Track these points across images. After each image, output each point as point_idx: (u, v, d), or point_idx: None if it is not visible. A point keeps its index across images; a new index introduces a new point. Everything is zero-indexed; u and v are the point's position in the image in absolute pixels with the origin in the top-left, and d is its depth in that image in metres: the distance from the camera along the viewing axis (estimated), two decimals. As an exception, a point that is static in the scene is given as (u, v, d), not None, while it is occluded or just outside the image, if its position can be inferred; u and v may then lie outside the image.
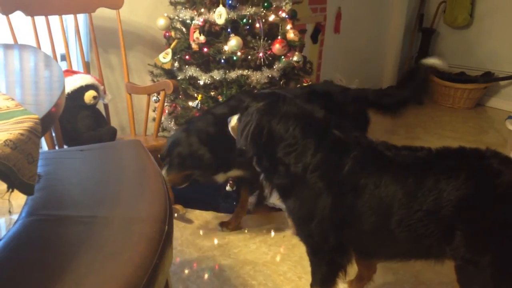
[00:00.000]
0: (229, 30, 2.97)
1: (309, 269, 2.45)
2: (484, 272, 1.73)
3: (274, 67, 3.05)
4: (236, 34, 2.94)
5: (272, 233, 2.83)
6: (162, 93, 2.81)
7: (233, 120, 2.09)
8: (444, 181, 1.73)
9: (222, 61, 2.98)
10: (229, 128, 2.12)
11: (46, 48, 2.78)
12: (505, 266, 1.73)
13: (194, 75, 3.04)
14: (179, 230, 2.79)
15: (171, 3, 3.24)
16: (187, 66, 3.09)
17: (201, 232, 2.81)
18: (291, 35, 3.11)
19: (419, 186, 1.76)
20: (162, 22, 3.19)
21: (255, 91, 2.89)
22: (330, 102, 2.52)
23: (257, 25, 3.02)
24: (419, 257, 1.94)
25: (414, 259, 1.97)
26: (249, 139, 1.91)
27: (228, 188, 3.18)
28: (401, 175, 1.79)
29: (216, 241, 2.73)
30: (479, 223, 1.73)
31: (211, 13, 2.97)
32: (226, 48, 2.94)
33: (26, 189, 1.10)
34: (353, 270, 2.26)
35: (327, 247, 1.96)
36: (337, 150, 1.88)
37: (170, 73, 3.19)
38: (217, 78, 2.96)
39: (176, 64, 3.14)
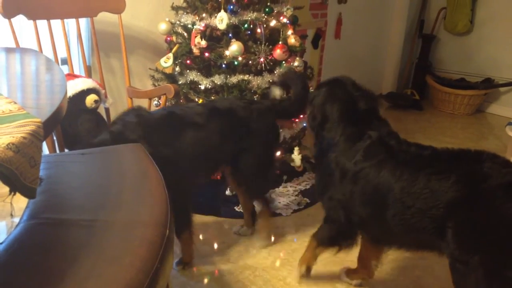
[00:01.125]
0: (230, 35, 2.98)
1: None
2: (475, 272, 1.79)
3: (275, 72, 3.06)
4: (237, 39, 2.95)
5: (272, 238, 2.83)
6: (163, 98, 2.81)
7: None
8: (435, 181, 1.84)
9: (223, 66, 2.99)
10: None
11: (47, 52, 2.78)
12: (495, 267, 1.78)
13: (195, 79, 3.05)
14: (179, 235, 2.79)
15: (173, 8, 3.25)
16: (188, 71, 3.09)
17: (200, 237, 2.81)
18: (292, 40, 3.12)
19: (412, 183, 1.88)
20: (163, 26, 3.20)
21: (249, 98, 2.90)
22: (234, 119, 2.47)
23: (258, 30, 3.04)
24: (418, 248, 2.06)
25: (414, 249, 2.11)
26: (310, 117, 2.28)
27: (228, 192, 3.18)
28: (398, 170, 1.92)
29: (215, 246, 2.73)
30: (466, 224, 1.82)
31: (212, 18, 2.99)
32: (227, 53, 2.95)
33: (28, 193, 1.10)
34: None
35: (337, 223, 2.17)
36: (356, 138, 2.08)
37: (171, 78, 3.19)
38: (218, 83, 2.97)
39: (177, 68, 3.15)
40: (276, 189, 3.35)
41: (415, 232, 1.92)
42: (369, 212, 2.05)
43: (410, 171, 1.90)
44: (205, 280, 2.44)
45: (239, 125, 2.48)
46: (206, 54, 3.02)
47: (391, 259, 2.56)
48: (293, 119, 3.14)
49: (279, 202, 3.20)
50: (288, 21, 3.16)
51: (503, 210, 1.76)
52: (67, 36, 2.90)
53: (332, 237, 2.24)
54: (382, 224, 2.00)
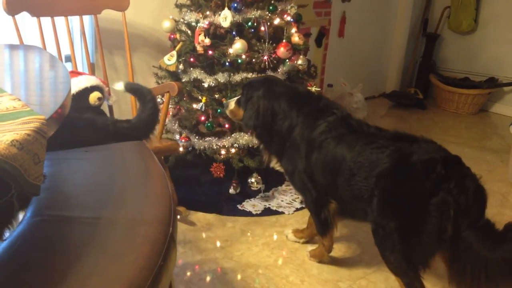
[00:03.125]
0: (234, 33, 2.98)
1: (311, 273, 2.48)
2: (391, 236, 2.05)
3: (279, 70, 3.06)
4: (241, 37, 2.95)
5: (275, 236, 2.83)
6: (166, 95, 2.81)
7: (231, 104, 2.58)
8: (375, 154, 2.11)
9: (227, 64, 2.98)
10: (228, 112, 2.62)
11: (51, 49, 2.78)
12: (407, 233, 2.03)
13: (199, 77, 3.04)
14: (182, 232, 2.79)
15: (177, 6, 3.25)
16: (191, 69, 3.09)
17: (203, 235, 2.81)
18: (295, 38, 3.12)
19: (359, 154, 2.15)
20: (167, 24, 3.20)
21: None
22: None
23: (262, 28, 3.03)
24: (362, 218, 2.27)
25: (359, 220, 2.37)
26: (258, 120, 2.41)
27: (231, 190, 3.18)
28: (353, 143, 2.19)
29: (218, 244, 2.73)
30: (387, 193, 2.07)
31: (216, 16, 2.98)
32: (231, 51, 2.95)
33: (32, 190, 1.10)
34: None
35: (311, 198, 2.40)
36: (315, 115, 2.33)
37: (174, 75, 3.19)
38: (222, 81, 2.97)
39: (181, 66, 3.15)
40: (279, 187, 3.35)
41: (356, 199, 2.17)
42: (328, 179, 2.28)
43: (361, 144, 2.17)
44: (208, 278, 2.44)
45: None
46: (210, 52, 3.02)
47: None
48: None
49: (282, 200, 3.20)
50: (292, 19, 3.15)
51: (416, 182, 2.01)
52: (70, 33, 2.90)
53: (322, 220, 2.42)
54: (336, 190, 2.25)
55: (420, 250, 2.03)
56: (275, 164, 2.57)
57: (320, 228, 2.46)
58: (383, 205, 2.08)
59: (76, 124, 2.04)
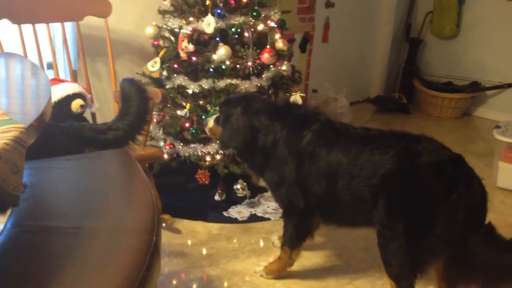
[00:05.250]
0: (217, 39, 2.97)
1: (298, 279, 2.47)
2: (398, 238, 2.02)
3: (263, 76, 3.05)
4: (225, 43, 2.94)
5: (261, 243, 2.81)
6: (150, 102, 2.78)
7: (210, 122, 2.53)
8: (377, 155, 2.07)
9: (211, 70, 2.97)
10: (207, 130, 2.58)
11: (32, 57, 2.75)
12: (415, 235, 2.01)
13: (183, 84, 3.03)
14: (167, 240, 2.76)
15: (160, 12, 3.23)
16: (175, 75, 3.07)
17: (189, 242, 2.79)
18: (279, 44, 3.11)
19: (358, 156, 2.11)
20: (150, 30, 3.17)
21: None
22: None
23: (246, 34, 3.03)
24: (361, 223, 2.29)
25: (358, 225, 2.38)
26: (239, 139, 2.35)
27: (216, 197, 3.16)
28: (347, 147, 2.16)
29: (204, 251, 2.70)
30: (395, 195, 2.05)
31: (199, 22, 2.97)
32: (214, 57, 2.93)
33: (11, 200, 1.08)
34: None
35: (297, 210, 2.35)
36: (299, 125, 2.30)
37: (158, 82, 3.17)
38: (206, 87, 2.96)
39: (164, 73, 3.13)
40: (265, 193, 3.34)
41: (358, 201, 2.13)
42: (323, 186, 2.23)
43: (357, 146, 2.14)
44: (194, 286, 2.42)
45: None
46: (194, 58, 3.01)
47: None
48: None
49: (268, 207, 3.19)
50: (275, 25, 3.15)
51: (428, 185, 2.00)
52: (52, 40, 2.87)
53: (299, 233, 2.39)
54: (333, 196, 2.20)
55: (426, 253, 2.02)
56: (263, 182, 2.52)
57: (295, 240, 2.39)
58: (391, 207, 2.05)
59: (50, 132, 1.88)
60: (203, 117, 2.93)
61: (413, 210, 2.02)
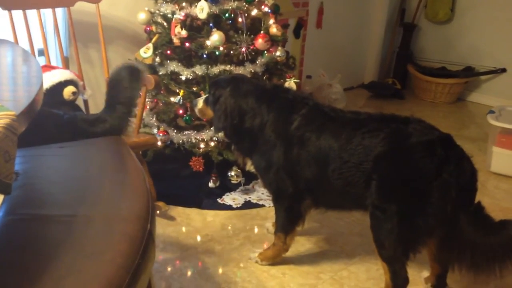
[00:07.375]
0: (211, 24, 2.94)
1: (293, 265, 2.47)
2: (391, 219, 2.04)
3: (257, 62, 3.03)
4: (218, 29, 2.91)
5: (256, 230, 2.81)
6: (143, 89, 2.76)
7: (200, 103, 2.53)
8: (368, 138, 2.09)
9: (204, 56, 2.95)
10: (196, 110, 2.57)
11: (24, 43, 2.72)
12: (408, 215, 2.03)
13: (176, 70, 3.00)
14: (162, 228, 2.76)
15: (152, -3, 3.19)
16: (168, 61, 3.05)
17: (184, 229, 2.78)
18: (273, 30, 3.09)
19: (349, 141, 2.12)
20: (142, 16, 3.14)
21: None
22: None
23: (240, 19, 3.00)
24: (351, 206, 2.31)
25: (348, 208, 2.38)
26: (227, 121, 2.34)
27: (211, 184, 3.15)
28: (337, 131, 2.16)
29: (199, 238, 2.70)
30: (387, 176, 2.08)
31: (192, 7, 2.94)
32: (208, 43, 2.91)
33: (3, 188, 1.07)
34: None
35: (286, 194, 2.34)
36: (287, 109, 2.30)
37: (151, 68, 3.14)
38: (199, 73, 2.93)
39: (157, 59, 3.10)
40: (259, 180, 3.33)
41: (350, 185, 2.14)
42: (313, 171, 2.23)
43: (347, 131, 2.15)
44: (189, 273, 2.42)
45: None
46: (187, 44, 2.98)
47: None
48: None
49: (262, 193, 3.19)
50: (269, 10, 3.12)
51: (419, 164, 2.02)
52: (43, 26, 2.84)
53: (291, 218, 2.38)
54: (324, 181, 2.21)
55: (418, 232, 2.04)
56: (250, 166, 2.52)
57: (287, 226, 2.39)
58: (383, 188, 2.07)
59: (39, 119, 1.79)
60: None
61: (405, 190, 2.04)
